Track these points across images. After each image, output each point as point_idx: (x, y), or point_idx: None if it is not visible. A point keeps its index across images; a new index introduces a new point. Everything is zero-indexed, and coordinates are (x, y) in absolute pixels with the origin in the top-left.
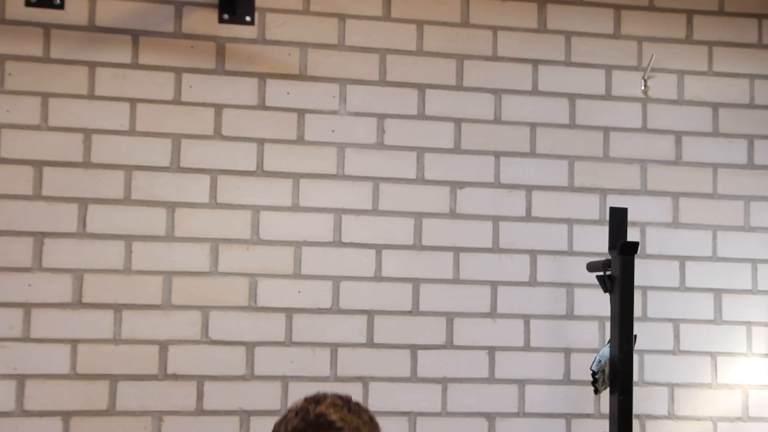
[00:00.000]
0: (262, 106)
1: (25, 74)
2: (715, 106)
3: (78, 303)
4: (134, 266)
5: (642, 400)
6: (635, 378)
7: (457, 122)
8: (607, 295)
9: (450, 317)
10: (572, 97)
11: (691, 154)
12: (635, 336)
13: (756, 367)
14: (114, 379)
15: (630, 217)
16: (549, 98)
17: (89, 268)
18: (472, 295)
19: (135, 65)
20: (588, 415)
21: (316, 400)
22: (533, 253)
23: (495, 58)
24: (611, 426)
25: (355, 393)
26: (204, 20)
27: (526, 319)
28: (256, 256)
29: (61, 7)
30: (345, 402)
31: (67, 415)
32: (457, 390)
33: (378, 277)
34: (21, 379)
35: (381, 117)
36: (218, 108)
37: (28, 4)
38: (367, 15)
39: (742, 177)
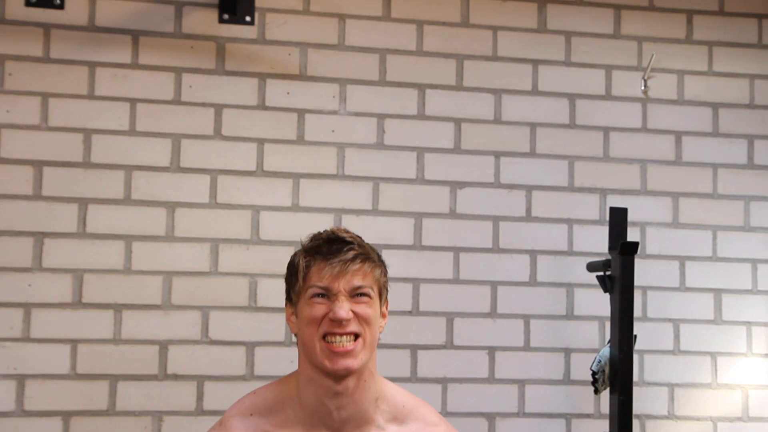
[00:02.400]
0: (262, 106)
1: (25, 74)
2: (715, 106)
3: (78, 303)
4: (134, 266)
5: (642, 400)
6: (635, 378)
7: (457, 122)
8: (607, 295)
9: (450, 317)
10: (572, 97)
11: (691, 154)
12: (635, 336)
13: (756, 367)
14: (114, 379)
15: (630, 217)
16: (549, 98)
17: (89, 268)
18: (472, 295)
19: (135, 65)
20: (588, 415)
21: (328, 230)
22: (533, 253)
23: (495, 58)
24: (611, 426)
25: None
26: (204, 20)
27: (526, 319)
28: (256, 256)
29: (61, 7)
30: (356, 234)
31: (67, 415)
32: (457, 390)
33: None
34: (21, 379)
35: (381, 117)
36: (218, 108)
37: (28, 4)
38: (367, 15)
39: (742, 177)
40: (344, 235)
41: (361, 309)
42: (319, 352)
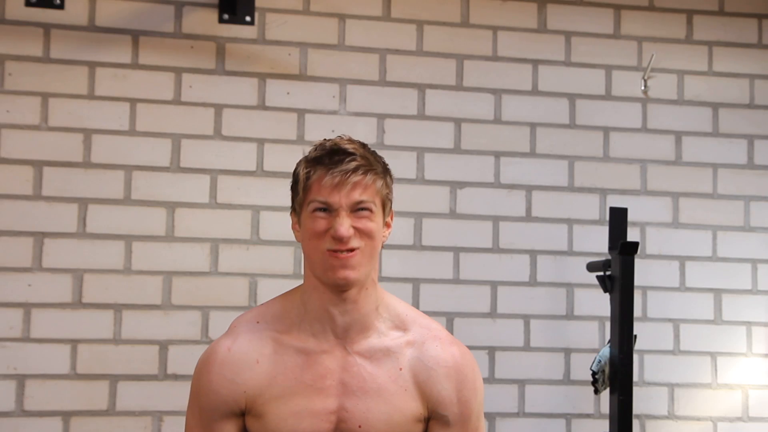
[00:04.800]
0: (262, 106)
1: (25, 74)
2: (715, 106)
3: (78, 303)
4: (134, 266)
5: (642, 400)
6: (635, 378)
7: (457, 122)
8: (607, 295)
9: (450, 317)
10: (572, 97)
11: (691, 154)
12: (635, 336)
13: (756, 367)
14: (114, 379)
15: (630, 217)
16: (549, 98)
17: (89, 268)
18: (472, 295)
19: (135, 65)
20: (588, 415)
21: (333, 139)
22: (533, 253)
23: (495, 58)
24: (611, 426)
25: None
26: (204, 20)
27: (526, 319)
28: (256, 256)
29: (61, 7)
30: (360, 143)
31: (67, 415)
32: None
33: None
34: (21, 379)
35: (381, 117)
36: (218, 108)
37: (28, 4)
38: (367, 15)
39: (742, 177)
40: (347, 146)
41: (362, 224)
42: (320, 263)
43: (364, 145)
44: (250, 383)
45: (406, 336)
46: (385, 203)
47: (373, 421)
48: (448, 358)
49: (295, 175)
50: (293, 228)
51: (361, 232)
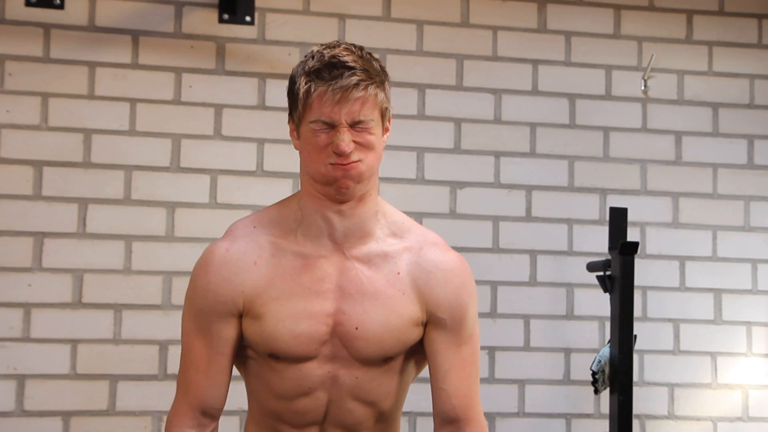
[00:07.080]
0: (262, 106)
1: (25, 74)
2: (715, 106)
3: (78, 303)
4: (134, 266)
5: (642, 400)
6: (635, 378)
7: (457, 122)
8: (607, 295)
9: None
10: (572, 97)
11: (691, 154)
12: (635, 336)
13: (756, 367)
14: (114, 379)
15: (630, 217)
16: (549, 98)
17: (89, 268)
18: None
19: (135, 65)
20: (588, 415)
21: (331, 45)
22: (533, 253)
23: (495, 58)
24: (611, 426)
25: None
26: (204, 20)
27: (526, 319)
28: None
29: (61, 7)
30: (358, 48)
31: (67, 415)
32: None
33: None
34: (21, 379)
35: None
36: (218, 108)
37: (28, 4)
38: (367, 15)
39: (742, 177)
40: (346, 58)
41: (362, 137)
42: (323, 176)
43: (361, 50)
44: (248, 283)
45: (404, 242)
46: (384, 113)
47: (369, 323)
48: (446, 261)
49: (294, 85)
50: (291, 135)
51: (361, 146)
